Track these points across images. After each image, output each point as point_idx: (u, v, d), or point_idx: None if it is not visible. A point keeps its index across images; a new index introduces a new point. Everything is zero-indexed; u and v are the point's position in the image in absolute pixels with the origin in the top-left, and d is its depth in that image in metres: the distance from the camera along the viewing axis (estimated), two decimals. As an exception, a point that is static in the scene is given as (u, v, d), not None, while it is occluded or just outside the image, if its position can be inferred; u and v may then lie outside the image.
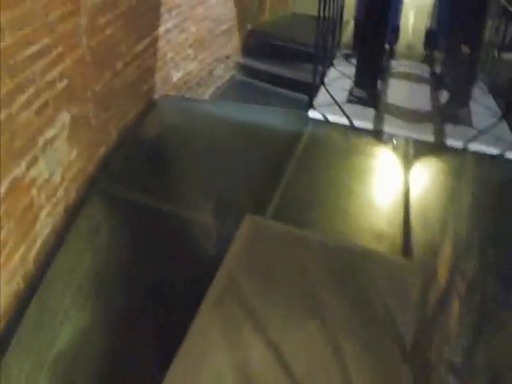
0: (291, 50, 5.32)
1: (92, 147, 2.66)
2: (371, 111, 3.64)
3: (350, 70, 4.32)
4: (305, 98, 4.95)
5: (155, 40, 3.50)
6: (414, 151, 3.31)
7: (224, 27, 4.87)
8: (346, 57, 4.60)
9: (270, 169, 3.15)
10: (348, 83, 4.02)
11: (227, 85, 5.12)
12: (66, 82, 2.26)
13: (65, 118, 2.29)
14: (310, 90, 3.61)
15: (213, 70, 4.78)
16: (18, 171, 1.88)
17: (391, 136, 3.38)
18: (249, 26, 5.45)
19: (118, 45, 2.89)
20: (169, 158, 3.19)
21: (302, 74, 5.02)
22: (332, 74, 4.31)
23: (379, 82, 3.90)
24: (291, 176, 3.01)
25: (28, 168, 1.95)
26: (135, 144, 3.12)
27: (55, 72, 2.17)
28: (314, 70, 3.68)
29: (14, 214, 1.87)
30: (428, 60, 4.69)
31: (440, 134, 3.47)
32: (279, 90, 5.09)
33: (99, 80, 2.67)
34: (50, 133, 2.13)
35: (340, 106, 3.63)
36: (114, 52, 2.84)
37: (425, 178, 3.09)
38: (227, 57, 5.07)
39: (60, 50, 2.20)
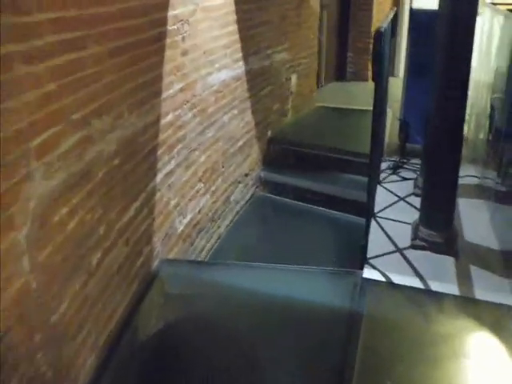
0: (318, 158, 4.46)
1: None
2: (450, 261, 2.61)
3: (401, 187, 3.38)
4: (339, 215, 4.04)
5: (151, 194, 2.64)
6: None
7: (240, 143, 4.05)
8: (394, 168, 3.67)
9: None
10: (404, 210, 3.06)
11: (247, 208, 4.22)
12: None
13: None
14: (363, 244, 2.61)
15: (229, 195, 3.91)
16: None
17: (491, 307, 2.34)
18: (269, 133, 4.65)
19: (92, 232, 2.00)
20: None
21: (332, 186, 4.16)
22: (380, 195, 3.35)
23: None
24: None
25: None
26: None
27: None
28: (368, 213, 2.71)
29: None
30: (495, 164, 3.59)
31: None
32: (308, 206, 4.19)
33: (59, 303, 1.76)
34: None
35: (408, 260, 2.62)
36: (85, 246, 1.95)
37: None
38: (246, 175, 4.22)
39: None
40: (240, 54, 3.87)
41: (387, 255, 2.57)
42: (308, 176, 4.31)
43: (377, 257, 2.56)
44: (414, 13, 3.78)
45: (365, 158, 4.02)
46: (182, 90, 2.96)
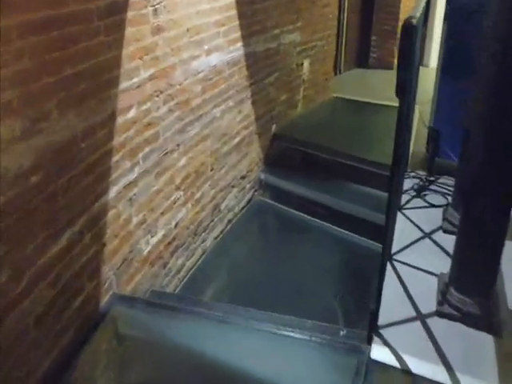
0: (330, 163, 3.78)
1: None
2: (488, 342, 1.82)
3: (427, 217, 2.67)
4: (349, 236, 3.36)
5: (100, 214, 2.05)
6: None
7: (236, 140, 3.43)
8: (419, 190, 2.98)
9: None
10: (429, 252, 2.38)
11: (242, 217, 3.61)
12: None
13: None
14: (372, 311, 1.94)
15: (219, 203, 3.31)
16: None
17: None
18: (273, 128, 4.00)
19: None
20: None
21: (344, 201, 3.48)
22: (400, 225, 2.62)
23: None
24: None
25: None
26: None
27: None
28: (382, 265, 2.01)
29: None
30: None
31: None
32: (314, 220, 3.54)
33: None
34: None
35: (432, 334, 1.90)
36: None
37: None
38: (242, 177, 3.60)
39: None
40: (238, 34, 3.21)
41: (405, 323, 1.92)
42: (316, 185, 3.65)
43: (390, 325, 1.91)
44: None
45: (386, 170, 3.36)
46: (151, 77, 2.35)
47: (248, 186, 3.72)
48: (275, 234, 3.59)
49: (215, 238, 3.32)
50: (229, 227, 3.47)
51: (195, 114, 2.84)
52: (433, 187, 3.03)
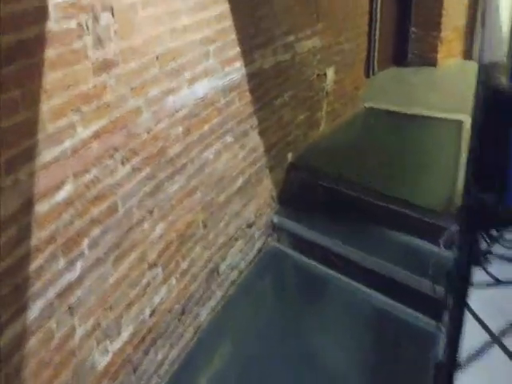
0: (364, 205, 2.99)
1: None
2: None
3: (492, 301, 1.90)
4: (387, 305, 2.57)
5: (9, 350, 1.41)
6: None
7: (239, 183, 2.72)
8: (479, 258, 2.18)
9: None
10: (501, 366, 1.63)
11: (249, 273, 2.91)
12: None
13: None
14: None
15: (217, 265, 2.62)
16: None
17: None
18: (289, 157, 3.26)
19: None
20: None
21: (382, 260, 2.69)
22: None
23: None
24: None
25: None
26: None
27: None
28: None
29: None
30: None
31: None
32: (343, 280, 2.80)
33: None
34: None
35: None
36: None
37: None
38: (249, 225, 2.90)
39: None
40: (236, 50, 2.48)
41: None
42: (343, 232, 2.88)
43: None
44: None
45: (437, 219, 2.59)
46: (99, 133, 1.67)
47: (257, 233, 3.01)
48: (292, 295, 2.88)
49: (213, 309, 2.64)
50: (232, 290, 2.79)
51: (175, 164, 2.14)
52: (497, 249, 2.24)
